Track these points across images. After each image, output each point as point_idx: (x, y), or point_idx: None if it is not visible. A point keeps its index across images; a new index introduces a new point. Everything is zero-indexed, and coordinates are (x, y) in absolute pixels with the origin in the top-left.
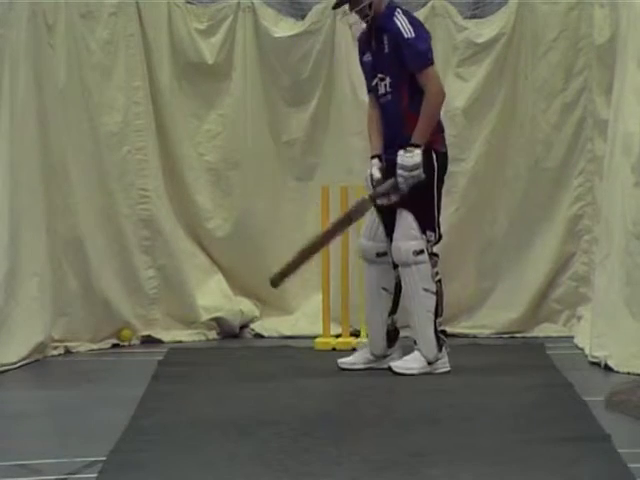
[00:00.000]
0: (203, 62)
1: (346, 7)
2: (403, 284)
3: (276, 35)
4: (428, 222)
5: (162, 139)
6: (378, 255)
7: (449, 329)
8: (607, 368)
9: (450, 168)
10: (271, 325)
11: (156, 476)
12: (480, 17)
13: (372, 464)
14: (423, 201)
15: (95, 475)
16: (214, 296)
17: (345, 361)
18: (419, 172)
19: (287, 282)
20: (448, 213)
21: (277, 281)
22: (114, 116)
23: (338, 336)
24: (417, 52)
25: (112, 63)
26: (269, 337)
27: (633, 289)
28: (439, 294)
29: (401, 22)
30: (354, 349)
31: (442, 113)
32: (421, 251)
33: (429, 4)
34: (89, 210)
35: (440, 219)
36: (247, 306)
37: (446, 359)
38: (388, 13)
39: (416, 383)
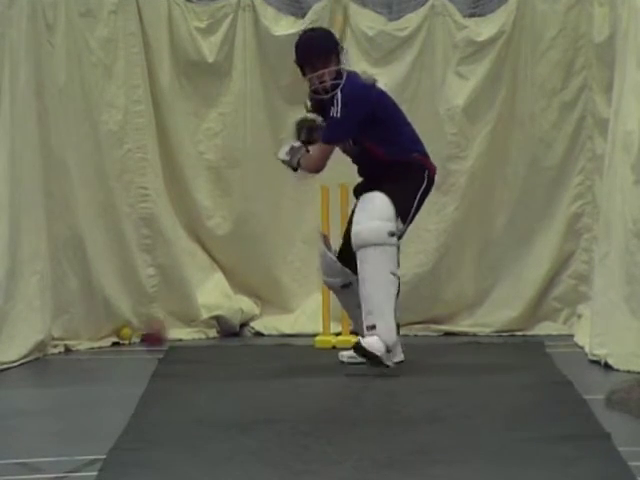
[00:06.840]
0: (203, 60)
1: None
2: (366, 265)
3: (276, 33)
4: (403, 213)
5: (162, 138)
6: (343, 287)
7: (449, 327)
8: (607, 366)
9: (450, 166)
10: (271, 323)
11: (156, 474)
12: (480, 15)
13: (372, 463)
14: (404, 198)
15: (95, 473)
16: (214, 294)
17: (345, 354)
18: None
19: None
20: (447, 211)
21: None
22: (114, 114)
23: (338, 334)
24: (328, 127)
25: (112, 62)
26: (269, 335)
27: (633, 287)
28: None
29: (336, 100)
30: None
31: (442, 112)
32: (394, 234)
33: (429, 3)
34: (89, 208)
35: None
36: (247, 304)
37: (399, 349)
38: (337, 85)
39: (416, 382)
